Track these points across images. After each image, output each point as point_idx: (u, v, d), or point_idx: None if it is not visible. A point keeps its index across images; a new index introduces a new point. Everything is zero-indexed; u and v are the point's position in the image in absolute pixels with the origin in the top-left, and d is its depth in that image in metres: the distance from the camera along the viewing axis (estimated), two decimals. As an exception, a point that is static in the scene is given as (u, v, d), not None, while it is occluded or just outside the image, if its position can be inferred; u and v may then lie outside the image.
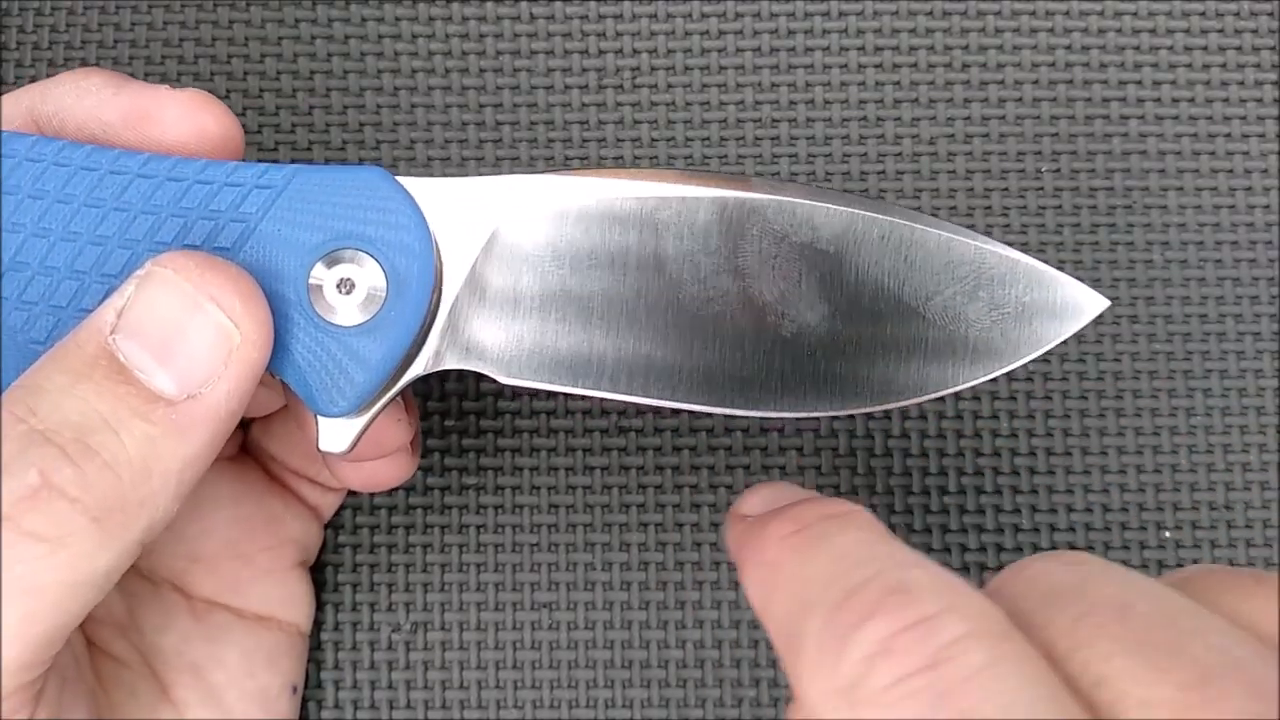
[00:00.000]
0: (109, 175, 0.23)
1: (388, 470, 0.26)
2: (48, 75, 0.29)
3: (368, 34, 0.32)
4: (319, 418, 0.23)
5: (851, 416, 0.30)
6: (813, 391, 0.24)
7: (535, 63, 0.31)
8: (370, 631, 0.30)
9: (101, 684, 0.25)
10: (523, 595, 0.30)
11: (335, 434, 0.24)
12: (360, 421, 0.23)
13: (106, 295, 0.21)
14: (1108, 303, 0.24)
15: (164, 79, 0.31)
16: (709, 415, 0.29)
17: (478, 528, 0.30)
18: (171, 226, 0.23)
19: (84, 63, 0.32)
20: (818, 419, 0.30)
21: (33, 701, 0.21)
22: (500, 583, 0.30)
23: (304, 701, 0.29)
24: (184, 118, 0.23)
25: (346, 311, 0.23)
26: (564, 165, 0.31)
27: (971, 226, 0.31)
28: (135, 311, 0.21)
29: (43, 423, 0.20)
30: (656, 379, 0.24)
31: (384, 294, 0.23)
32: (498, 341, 0.24)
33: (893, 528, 0.29)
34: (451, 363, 0.24)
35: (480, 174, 0.31)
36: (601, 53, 0.32)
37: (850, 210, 0.24)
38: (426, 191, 0.24)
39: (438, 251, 0.23)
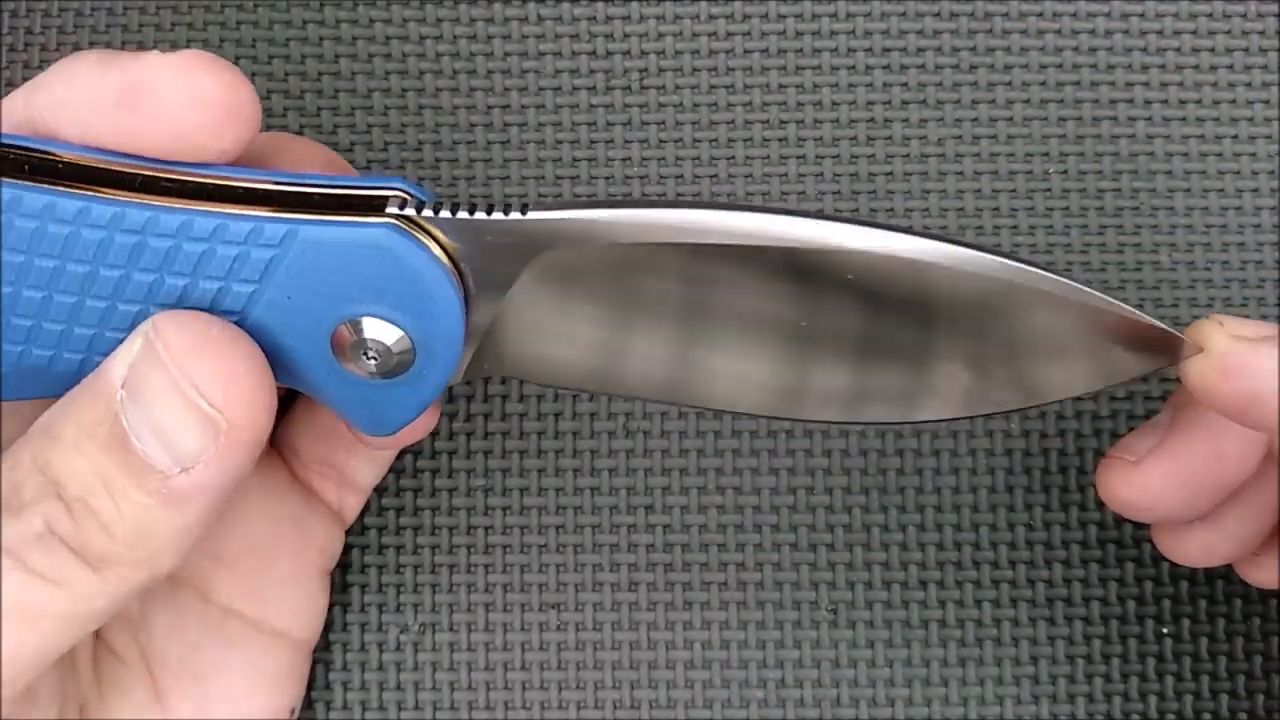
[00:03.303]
0: (120, 233, 0.21)
1: (414, 427, 0.26)
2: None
3: (375, 35, 0.32)
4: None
5: (866, 430, 0.29)
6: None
7: (543, 64, 0.31)
8: (378, 633, 0.30)
9: (98, 679, 0.25)
10: (531, 596, 0.30)
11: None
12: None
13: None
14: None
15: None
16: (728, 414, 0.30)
17: (486, 529, 0.30)
18: (173, 288, 0.21)
19: (91, 64, 0.31)
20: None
21: None
22: (508, 584, 0.30)
23: (311, 703, 0.29)
24: (178, 82, 0.21)
25: (373, 370, 0.22)
26: (570, 166, 0.31)
27: (979, 229, 0.31)
28: (135, 377, 0.21)
29: (56, 475, 0.21)
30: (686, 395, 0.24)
31: (411, 355, 0.22)
32: (527, 369, 0.24)
33: (903, 529, 0.29)
34: (486, 373, 0.24)
35: (486, 175, 0.31)
36: (609, 54, 0.32)
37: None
38: (454, 230, 0.22)
39: (466, 295, 0.22)
